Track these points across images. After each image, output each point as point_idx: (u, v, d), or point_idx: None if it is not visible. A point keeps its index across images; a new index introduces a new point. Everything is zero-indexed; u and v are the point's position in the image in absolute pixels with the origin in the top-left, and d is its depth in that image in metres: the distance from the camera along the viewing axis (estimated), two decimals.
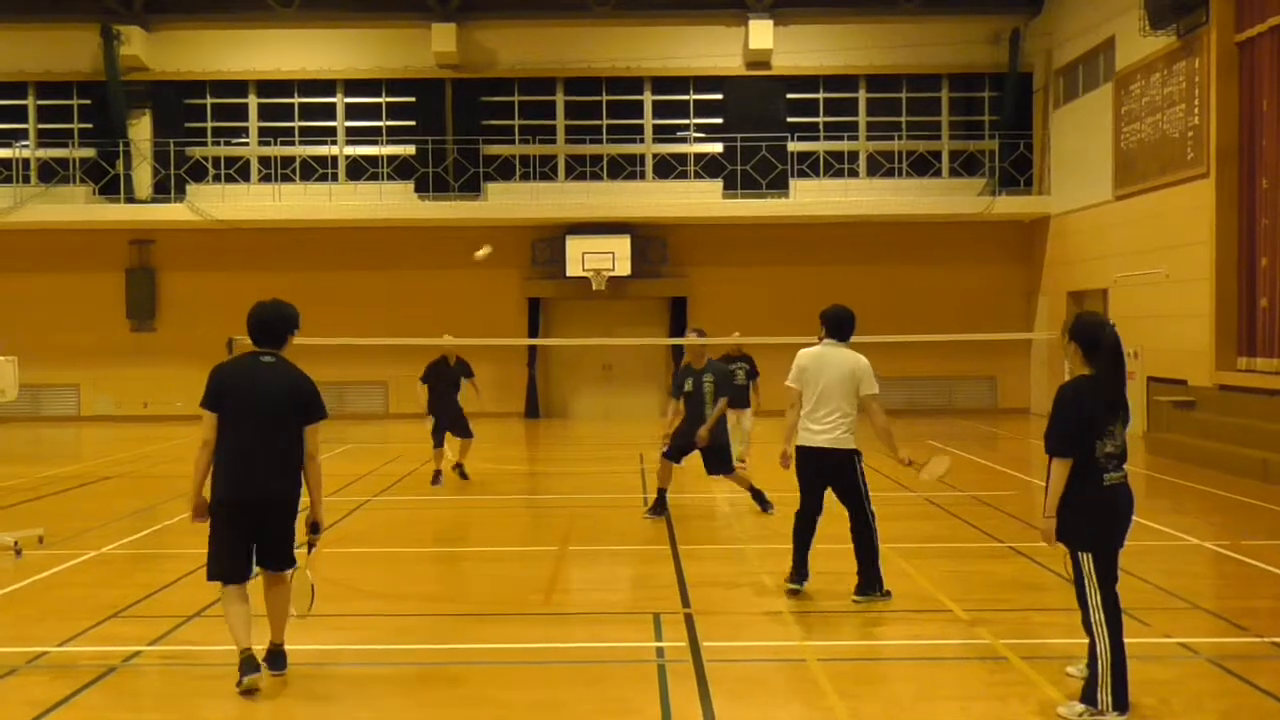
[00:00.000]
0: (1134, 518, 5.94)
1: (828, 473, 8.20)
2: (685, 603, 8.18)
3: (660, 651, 7.03)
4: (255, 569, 6.42)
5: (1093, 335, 5.89)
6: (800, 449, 8.22)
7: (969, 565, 9.44)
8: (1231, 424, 16.07)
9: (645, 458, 17.46)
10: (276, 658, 6.44)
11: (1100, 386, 5.84)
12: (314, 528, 6.48)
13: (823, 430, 8.12)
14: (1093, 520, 5.82)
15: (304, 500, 6.44)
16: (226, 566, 6.31)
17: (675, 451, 11.71)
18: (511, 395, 25.15)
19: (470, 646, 7.24)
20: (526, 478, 16.26)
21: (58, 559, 9.76)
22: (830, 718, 5.81)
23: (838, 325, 8.38)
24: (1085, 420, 5.78)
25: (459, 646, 7.26)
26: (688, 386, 11.65)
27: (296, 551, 6.52)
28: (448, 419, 14.40)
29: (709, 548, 10.30)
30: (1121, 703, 5.65)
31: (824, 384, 8.13)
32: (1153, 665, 6.65)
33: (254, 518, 6.31)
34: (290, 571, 6.48)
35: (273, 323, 6.54)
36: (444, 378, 14.43)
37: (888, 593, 8.10)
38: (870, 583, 8.10)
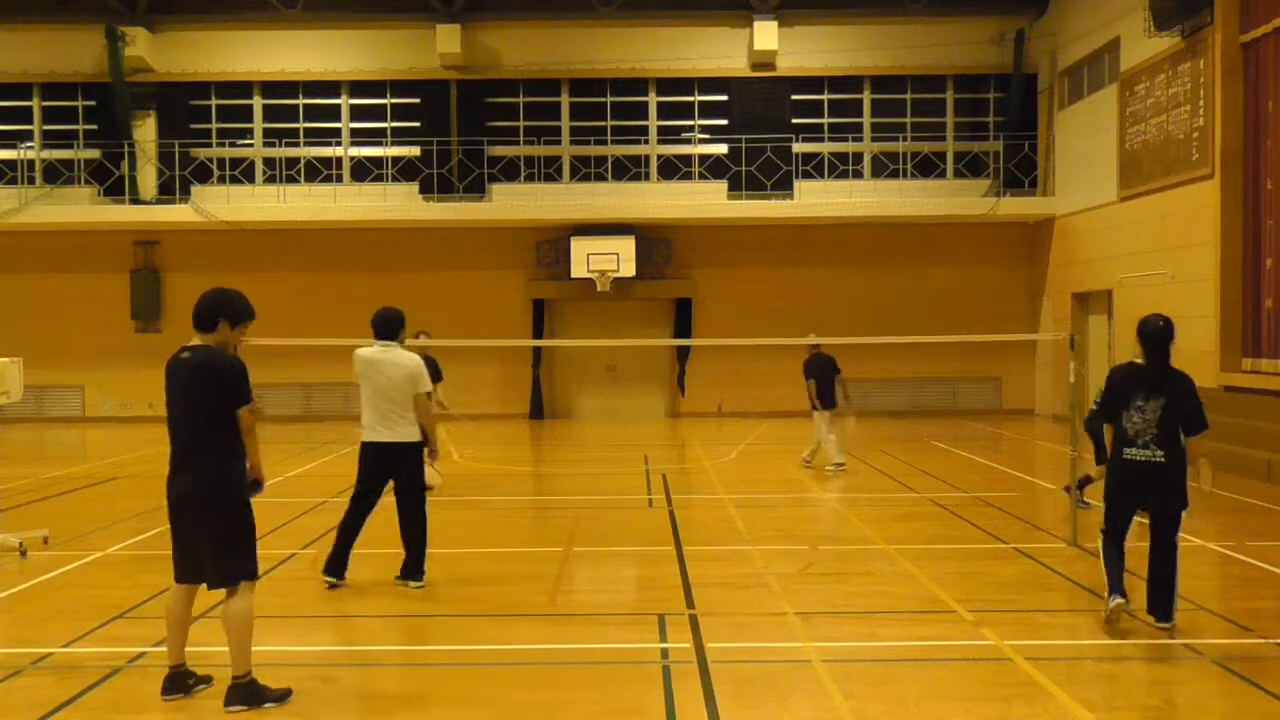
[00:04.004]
0: (1167, 494, 7.22)
1: (390, 466, 8.71)
2: (690, 604, 8.18)
3: (665, 653, 7.03)
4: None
5: (1139, 329, 7.36)
6: (368, 445, 8.75)
7: (973, 566, 9.43)
8: (1236, 425, 16.04)
9: (650, 458, 17.47)
10: (230, 691, 5.97)
11: (1138, 369, 7.30)
12: (256, 485, 6.25)
13: (386, 427, 8.67)
14: (1110, 480, 7.40)
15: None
16: (174, 563, 6.24)
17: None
18: (516, 396, 25.19)
19: (474, 647, 7.24)
20: (531, 478, 16.26)
21: (62, 560, 9.79)
22: (835, 719, 5.81)
23: (385, 326, 8.87)
24: (1114, 393, 7.33)
25: (463, 647, 7.26)
26: None
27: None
28: None
29: (713, 549, 10.30)
30: (1112, 589, 7.25)
31: (382, 382, 8.66)
32: (1157, 666, 6.64)
33: (178, 519, 6.12)
34: (240, 588, 6.01)
35: (201, 309, 6.24)
36: None
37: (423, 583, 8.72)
38: (418, 569, 8.75)
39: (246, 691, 5.98)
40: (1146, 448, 7.15)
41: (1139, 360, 7.37)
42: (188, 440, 6.14)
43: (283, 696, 6.07)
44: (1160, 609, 7.25)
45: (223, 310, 6.23)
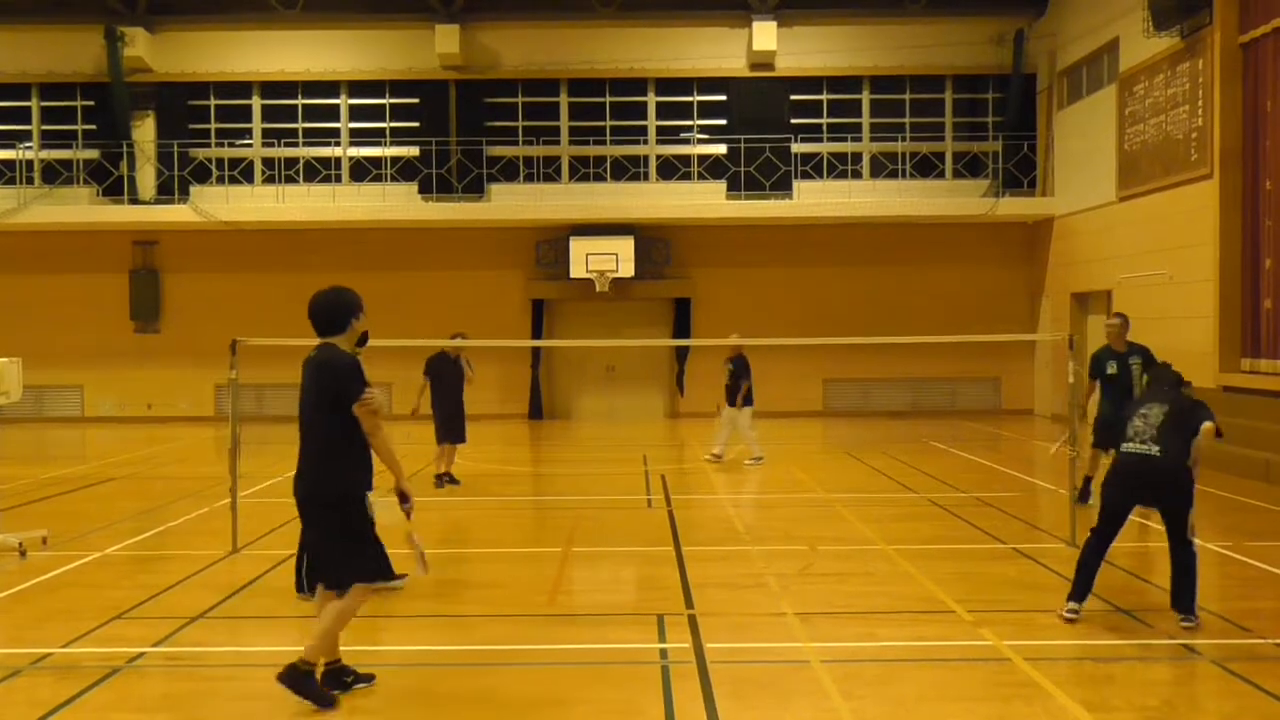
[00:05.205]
0: (1161, 489, 7.42)
1: None
2: (689, 604, 8.18)
3: (664, 653, 7.03)
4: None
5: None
6: None
7: (972, 566, 9.43)
8: (1235, 425, 15.98)
9: (649, 458, 17.47)
10: (288, 669, 5.97)
11: (1146, 393, 8.01)
12: (402, 497, 6.24)
13: None
14: (1107, 476, 7.72)
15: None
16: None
17: (1104, 440, 11.39)
18: (515, 396, 25.18)
19: (474, 648, 7.24)
20: (530, 479, 16.26)
21: (62, 560, 9.78)
22: (834, 719, 5.81)
23: None
24: (1128, 415, 7.77)
25: (462, 647, 7.26)
26: (1110, 369, 11.74)
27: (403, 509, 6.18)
28: (446, 417, 14.27)
29: (713, 549, 10.30)
30: (1071, 594, 7.57)
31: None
32: (1156, 666, 6.64)
33: (304, 519, 6.19)
34: (336, 593, 6.04)
35: (316, 311, 6.22)
36: (447, 371, 14.30)
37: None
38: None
39: (302, 680, 5.94)
40: (1141, 442, 7.42)
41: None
42: (305, 439, 6.14)
43: (330, 703, 6.00)
44: (1181, 604, 7.38)
45: (352, 310, 6.26)
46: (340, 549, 6.03)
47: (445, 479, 14.33)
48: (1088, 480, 11.75)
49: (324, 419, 6.03)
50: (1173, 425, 7.39)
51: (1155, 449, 7.35)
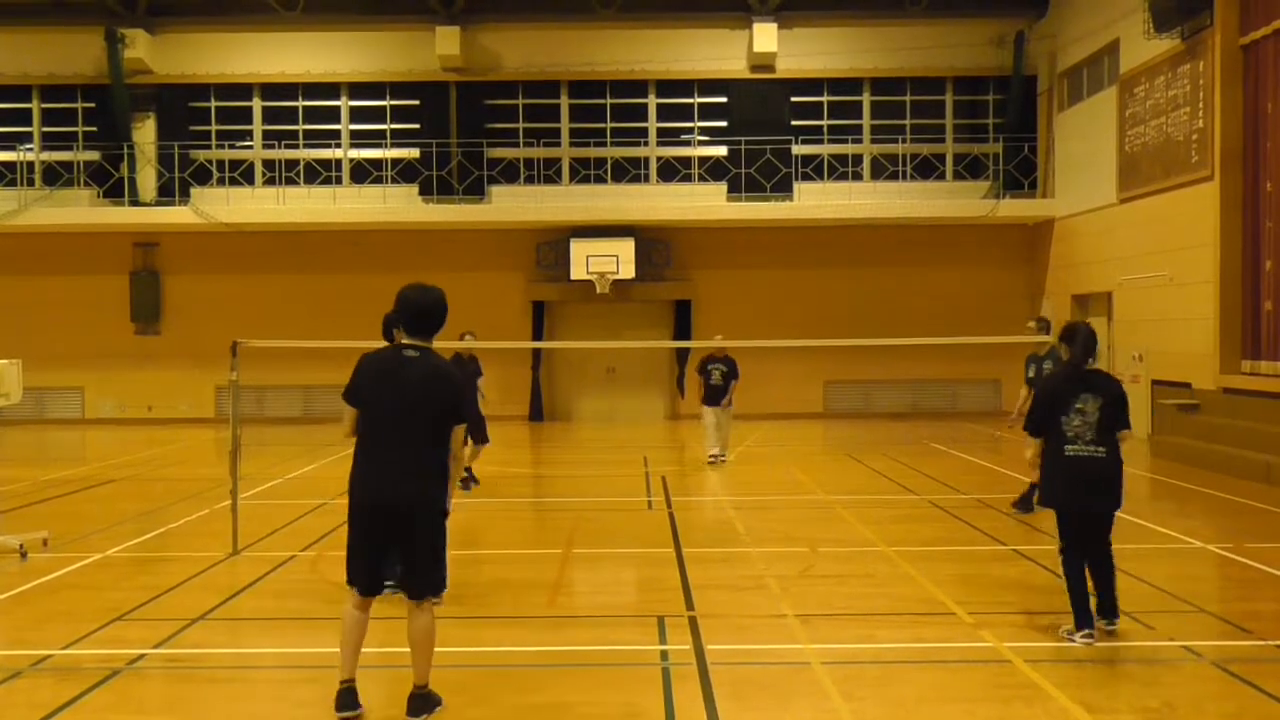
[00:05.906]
0: (1109, 491, 7.18)
1: None
2: (689, 606, 8.17)
3: (664, 654, 7.02)
4: (388, 589, 6.06)
5: (1068, 331, 7.42)
6: None
7: (972, 568, 9.43)
8: (1235, 427, 16.06)
9: (649, 460, 17.47)
10: (416, 701, 5.83)
11: (1070, 373, 7.31)
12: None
13: None
14: (1052, 482, 7.27)
15: None
16: (354, 573, 5.85)
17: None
18: (515, 398, 25.17)
19: (474, 650, 7.23)
20: (531, 480, 16.26)
21: (62, 562, 9.78)
22: None
23: None
24: (1050, 400, 7.28)
25: (463, 650, 7.25)
26: (1030, 373, 12.38)
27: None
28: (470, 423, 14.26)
29: (713, 551, 10.29)
30: (1080, 623, 7.09)
31: None
32: (1156, 668, 6.64)
33: (388, 527, 5.79)
34: (435, 602, 5.92)
35: (423, 308, 5.91)
36: (465, 375, 14.36)
37: None
38: None
39: (426, 700, 5.86)
40: (1089, 444, 7.15)
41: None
42: (408, 447, 5.78)
43: (439, 702, 5.99)
44: (1113, 610, 7.29)
45: (447, 311, 6.04)
46: (440, 561, 5.98)
47: (469, 480, 14.28)
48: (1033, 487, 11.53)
49: (434, 428, 5.81)
50: (1109, 422, 7.14)
51: (1100, 450, 7.13)
